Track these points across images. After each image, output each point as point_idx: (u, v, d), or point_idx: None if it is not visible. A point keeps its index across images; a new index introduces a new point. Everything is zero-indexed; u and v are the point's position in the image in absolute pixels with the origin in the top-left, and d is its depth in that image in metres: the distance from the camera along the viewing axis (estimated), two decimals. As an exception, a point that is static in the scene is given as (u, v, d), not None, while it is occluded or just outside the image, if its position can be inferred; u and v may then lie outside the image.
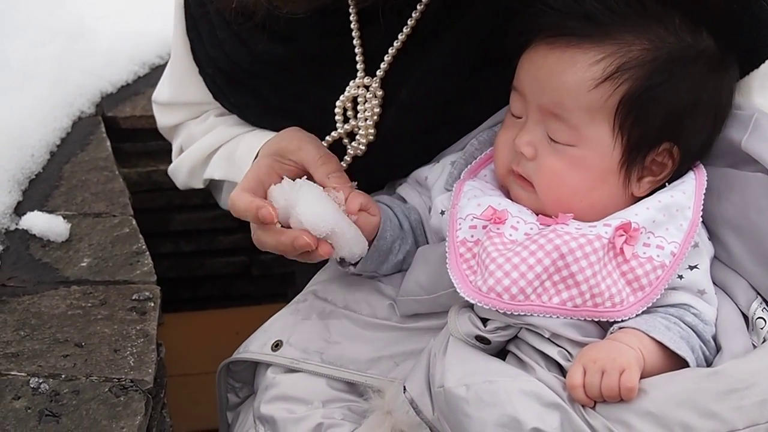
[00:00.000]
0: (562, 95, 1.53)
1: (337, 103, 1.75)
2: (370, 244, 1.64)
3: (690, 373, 1.47)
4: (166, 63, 2.74)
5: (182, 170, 2.03)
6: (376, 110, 1.74)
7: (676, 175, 1.60)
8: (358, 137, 1.76)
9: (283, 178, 1.62)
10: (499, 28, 1.61)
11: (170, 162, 2.65)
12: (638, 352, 1.46)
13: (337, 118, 1.76)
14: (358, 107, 1.75)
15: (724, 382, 1.43)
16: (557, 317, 1.49)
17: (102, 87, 2.67)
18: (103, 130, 2.52)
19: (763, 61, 1.62)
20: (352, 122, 1.76)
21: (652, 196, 1.57)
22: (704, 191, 1.57)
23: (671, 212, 1.55)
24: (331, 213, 1.57)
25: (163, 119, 2.09)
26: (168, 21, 1.98)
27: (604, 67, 1.51)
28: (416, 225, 1.71)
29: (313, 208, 1.56)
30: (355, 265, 1.68)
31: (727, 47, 1.57)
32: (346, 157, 1.77)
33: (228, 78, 1.87)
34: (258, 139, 1.80)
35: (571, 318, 1.50)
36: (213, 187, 2.06)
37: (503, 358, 1.54)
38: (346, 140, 1.77)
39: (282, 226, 1.59)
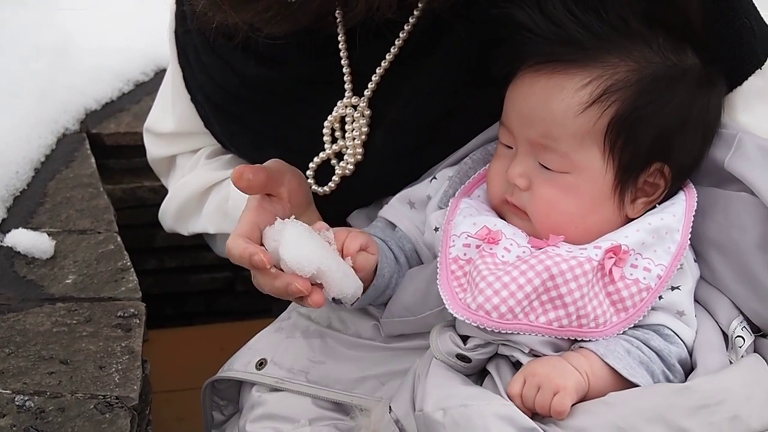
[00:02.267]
0: (548, 125, 1.53)
1: (325, 123, 1.75)
2: (368, 284, 1.61)
3: (660, 388, 1.48)
4: (151, 80, 2.79)
5: (168, 214, 2.05)
6: (364, 130, 1.74)
7: (668, 194, 1.60)
8: (346, 157, 1.75)
9: (276, 219, 1.56)
10: (485, 47, 1.61)
11: (154, 179, 2.68)
12: (582, 377, 1.47)
13: (325, 138, 1.76)
14: (346, 127, 1.75)
15: (695, 397, 1.44)
16: (543, 336, 1.50)
17: (86, 104, 2.67)
18: (88, 146, 2.52)
19: (747, 78, 1.64)
20: (340, 142, 1.75)
21: (642, 218, 1.57)
22: (693, 214, 1.58)
23: (660, 234, 1.55)
24: (316, 252, 1.50)
25: (152, 150, 2.09)
26: (152, 38, 1.98)
27: (590, 90, 1.52)
28: (411, 255, 1.70)
29: (296, 248, 1.49)
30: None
31: (713, 63, 1.58)
32: (334, 177, 1.77)
33: (215, 105, 1.87)
34: None
35: (555, 337, 1.51)
36: (206, 237, 2.06)
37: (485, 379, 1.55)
38: (334, 160, 1.77)
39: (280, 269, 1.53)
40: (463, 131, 1.71)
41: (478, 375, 1.58)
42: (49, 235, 2.11)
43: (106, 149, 2.64)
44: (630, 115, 1.52)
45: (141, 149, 2.59)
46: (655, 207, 1.59)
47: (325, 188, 1.77)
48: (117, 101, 2.75)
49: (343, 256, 1.54)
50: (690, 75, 1.56)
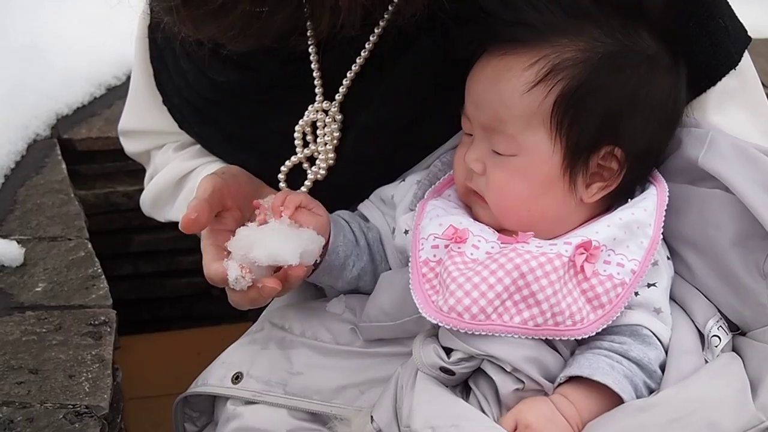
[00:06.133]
0: (497, 107, 1.53)
1: (296, 128, 1.74)
2: (320, 261, 1.63)
3: (627, 408, 1.45)
4: (123, 84, 2.77)
5: (146, 203, 2.04)
6: (336, 134, 1.73)
7: (632, 184, 1.59)
8: (318, 162, 1.74)
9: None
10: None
11: (128, 183, 2.69)
12: (572, 428, 1.46)
13: (296, 142, 1.75)
14: (318, 132, 1.74)
15: (665, 412, 1.43)
16: (520, 337, 1.48)
17: (57, 109, 2.65)
18: (59, 152, 2.50)
19: (720, 79, 1.63)
20: (312, 147, 1.74)
21: (613, 213, 1.56)
22: (665, 208, 1.57)
23: (632, 229, 1.54)
24: (289, 241, 1.55)
25: (128, 146, 2.08)
26: (124, 41, 1.96)
27: (537, 70, 1.51)
28: (374, 242, 1.69)
29: (271, 250, 1.53)
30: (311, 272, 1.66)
31: (672, 48, 1.57)
32: (306, 182, 1.75)
33: (192, 108, 1.86)
34: None
35: (533, 337, 1.49)
36: None
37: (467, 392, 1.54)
38: (306, 165, 1.76)
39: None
40: (437, 134, 1.71)
41: (463, 386, 1.55)
42: (18, 242, 2.10)
43: (78, 154, 2.63)
44: (575, 93, 1.50)
45: (114, 154, 2.60)
46: (626, 202, 1.58)
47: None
48: (88, 106, 2.73)
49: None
50: (642, 58, 1.54)
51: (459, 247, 1.53)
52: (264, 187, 1.75)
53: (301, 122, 1.74)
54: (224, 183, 1.65)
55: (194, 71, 1.81)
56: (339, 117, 1.72)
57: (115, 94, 2.76)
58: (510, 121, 1.52)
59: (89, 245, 2.12)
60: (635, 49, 1.54)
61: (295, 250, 1.54)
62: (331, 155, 1.73)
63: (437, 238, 1.55)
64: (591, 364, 1.48)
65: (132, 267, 2.92)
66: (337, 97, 1.71)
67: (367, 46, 1.67)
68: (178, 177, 1.94)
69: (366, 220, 1.73)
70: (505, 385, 1.49)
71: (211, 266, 1.58)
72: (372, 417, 1.53)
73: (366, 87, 1.69)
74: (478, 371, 1.52)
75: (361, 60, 1.68)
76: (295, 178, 1.76)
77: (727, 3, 1.64)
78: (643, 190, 1.60)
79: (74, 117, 2.69)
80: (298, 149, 1.75)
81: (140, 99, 1.97)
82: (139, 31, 1.92)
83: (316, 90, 1.72)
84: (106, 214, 2.73)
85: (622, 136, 1.54)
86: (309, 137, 1.74)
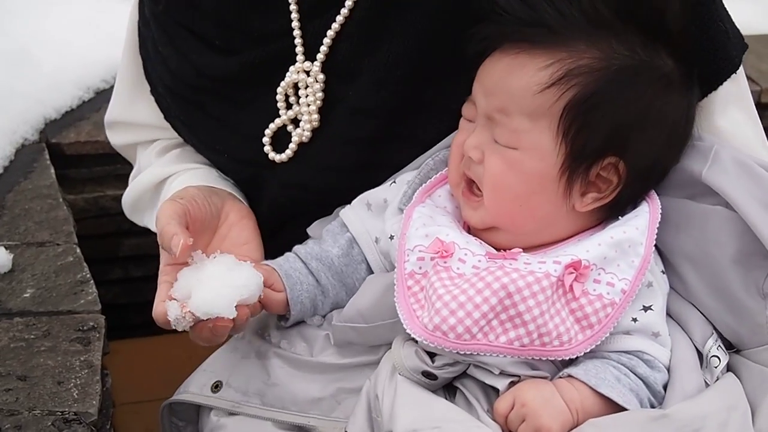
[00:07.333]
0: (505, 101, 1.52)
1: (278, 90, 1.73)
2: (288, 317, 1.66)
3: (638, 415, 1.46)
4: (111, 87, 2.74)
5: (126, 205, 2.04)
6: (319, 95, 1.71)
7: (628, 199, 1.58)
8: (302, 123, 1.73)
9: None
10: (456, 36, 1.59)
11: (117, 187, 2.68)
12: (572, 415, 1.45)
13: (279, 105, 1.74)
14: (300, 92, 1.73)
15: (673, 426, 1.42)
16: (505, 356, 1.47)
17: (46, 113, 2.65)
18: (47, 157, 2.50)
19: (722, 83, 1.62)
20: (296, 108, 1.74)
21: (604, 231, 1.55)
22: (657, 227, 1.55)
23: (623, 248, 1.52)
24: (225, 292, 1.55)
25: (113, 138, 2.08)
26: (112, 45, 1.96)
27: (552, 72, 1.50)
28: (342, 268, 1.67)
29: (207, 302, 1.54)
30: (287, 318, 1.67)
31: (688, 68, 1.56)
32: (291, 144, 1.74)
33: (175, 96, 1.85)
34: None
35: (519, 357, 1.48)
36: None
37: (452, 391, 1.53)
38: (290, 127, 1.75)
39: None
40: (430, 130, 1.69)
41: (444, 387, 1.55)
42: (6, 248, 2.09)
43: (67, 159, 2.62)
44: (587, 101, 1.49)
45: (102, 158, 2.60)
46: (617, 219, 1.57)
47: (283, 156, 1.75)
48: (77, 110, 2.73)
49: None
50: (658, 74, 1.53)
51: (445, 262, 1.52)
52: (224, 206, 1.75)
53: (282, 84, 1.73)
54: (183, 208, 1.66)
55: (176, 57, 1.81)
56: (321, 77, 1.71)
57: (104, 98, 2.74)
58: (517, 116, 1.52)
59: (78, 250, 2.12)
60: (653, 65, 1.53)
61: (231, 301, 1.54)
62: (315, 117, 1.72)
63: (423, 251, 1.54)
64: (598, 373, 1.48)
65: (122, 271, 2.91)
66: (319, 56, 1.70)
67: (347, 4, 1.66)
68: (155, 182, 1.94)
69: (345, 229, 1.70)
70: (499, 383, 1.48)
71: (155, 307, 1.59)
72: (345, 430, 1.53)
73: (350, 48, 1.68)
74: (464, 373, 1.52)
75: (341, 18, 1.67)
76: (280, 139, 1.75)
77: (725, 6, 1.63)
78: (635, 207, 1.58)
79: (62, 121, 2.68)
80: (281, 111, 1.74)
81: (128, 89, 1.96)
82: (129, 23, 1.93)
83: (297, 50, 1.71)
84: (96, 219, 2.73)
85: (627, 150, 1.53)
86: (292, 99, 1.74)
